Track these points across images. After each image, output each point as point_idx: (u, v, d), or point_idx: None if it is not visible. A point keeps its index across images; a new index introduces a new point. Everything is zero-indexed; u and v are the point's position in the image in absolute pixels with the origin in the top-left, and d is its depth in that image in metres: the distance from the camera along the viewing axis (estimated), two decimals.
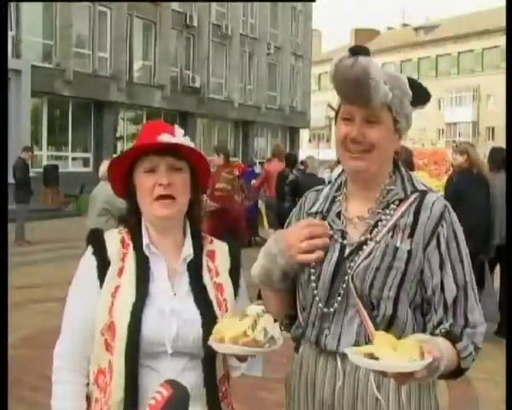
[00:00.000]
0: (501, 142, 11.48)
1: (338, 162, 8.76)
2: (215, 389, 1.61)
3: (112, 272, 1.60)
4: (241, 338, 1.40)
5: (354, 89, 1.48)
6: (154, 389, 1.47)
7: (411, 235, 1.54)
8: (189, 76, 27.26)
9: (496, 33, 41.98)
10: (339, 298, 1.56)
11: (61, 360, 1.64)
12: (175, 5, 26.11)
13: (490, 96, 46.02)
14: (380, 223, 1.57)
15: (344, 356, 1.54)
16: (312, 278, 1.60)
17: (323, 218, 1.66)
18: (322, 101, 43.51)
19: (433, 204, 1.56)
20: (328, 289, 1.58)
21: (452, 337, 1.47)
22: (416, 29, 54.80)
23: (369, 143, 1.54)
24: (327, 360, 1.60)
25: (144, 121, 25.90)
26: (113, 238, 1.66)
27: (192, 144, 1.67)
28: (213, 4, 28.32)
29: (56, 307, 6.68)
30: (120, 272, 1.60)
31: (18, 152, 12.74)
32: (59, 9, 21.23)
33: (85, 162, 23.49)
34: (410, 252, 1.53)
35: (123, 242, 1.65)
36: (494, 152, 6.44)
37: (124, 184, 1.68)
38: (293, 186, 8.93)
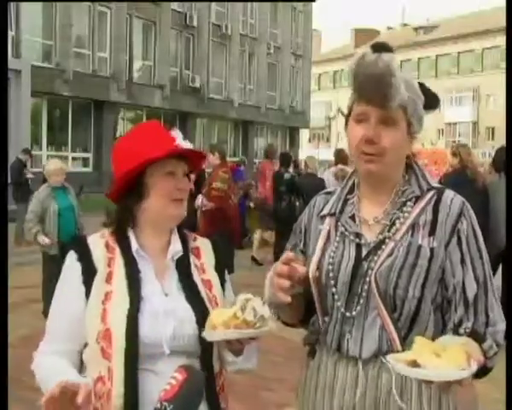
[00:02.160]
0: (501, 142, 11.48)
1: (336, 163, 8.76)
2: (213, 384, 1.61)
3: (99, 278, 1.58)
4: (232, 321, 1.41)
5: (377, 86, 1.46)
6: (153, 391, 1.46)
7: (432, 232, 1.52)
8: (189, 76, 27.26)
9: (496, 33, 41.96)
10: (361, 300, 1.53)
11: (41, 356, 1.62)
12: (175, 5, 26.12)
13: (490, 96, 46.00)
14: (397, 221, 1.55)
15: (365, 362, 1.53)
16: (332, 282, 1.56)
17: (336, 220, 1.63)
18: (322, 101, 43.61)
19: (451, 201, 1.55)
20: (348, 292, 1.55)
21: (477, 337, 1.44)
22: (416, 29, 54.78)
23: (382, 146, 1.51)
24: (347, 365, 1.57)
25: (144, 121, 25.88)
26: (98, 243, 1.65)
27: (191, 146, 1.72)
28: (213, 4, 28.32)
29: None
30: (109, 277, 1.58)
31: (18, 152, 12.76)
32: (59, 9, 21.24)
33: (85, 162, 23.50)
34: (432, 250, 1.50)
35: (107, 246, 1.64)
36: (499, 152, 6.39)
37: (128, 187, 1.65)
38: (290, 186, 8.94)
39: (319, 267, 1.60)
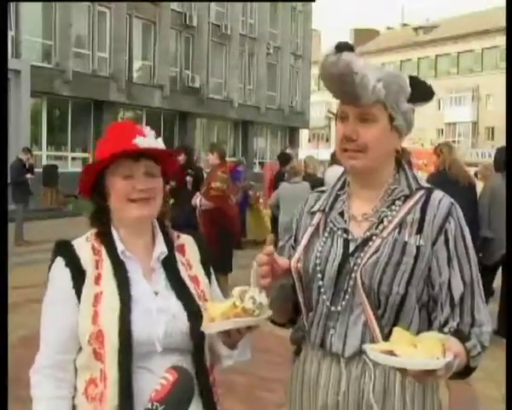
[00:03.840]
0: (501, 142, 11.47)
1: (332, 163, 8.76)
2: (206, 380, 1.62)
3: (88, 281, 1.58)
4: (232, 311, 1.41)
5: (339, 85, 1.49)
6: (147, 389, 1.47)
7: (419, 231, 1.53)
8: (189, 76, 27.25)
9: (496, 33, 41.98)
10: (346, 296, 1.54)
11: (39, 375, 1.60)
12: (174, 5, 26.11)
13: (489, 96, 46.00)
14: (385, 219, 1.56)
15: (348, 360, 1.55)
16: (319, 275, 1.58)
17: (326, 216, 1.65)
18: (322, 101, 43.51)
19: (439, 201, 1.56)
20: (333, 286, 1.57)
21: (461, 336, 1.45)
22: (416, 29, 54.77)
23: (363, 142, 1.54)
24: (331, 364, 1.58)
25: (144, 121, 25.88)
26: (83, 246, 1.64)
27: (161, 144, 1.67)
28: (213, 4, 28.30)
29: None
30: (97, 279, 1.58)
31: (18, 152, 12.76)
32: (58, 9, 21.22)
33: (85, 162, 23.45)
34: (418, 248, 1.51)
35: (93, 249, 1.63)
36: (500, 152, 6.35)
37: (93, 185, 1.66)
38: None
39: (305, 261, 1.61)
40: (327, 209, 1.66)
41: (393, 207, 1.57)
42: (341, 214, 1.63)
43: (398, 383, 1.52)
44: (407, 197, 1.58)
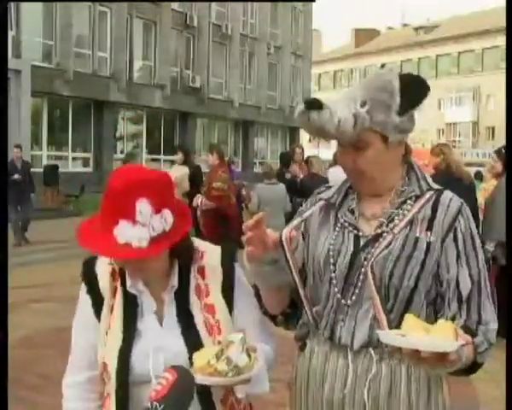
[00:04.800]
0: (501, 142, 11.47)
1: (334, 163, 8.73)
2: (212, 407, 1.59)
3: (105, 309, 1.61)
4: (206, 369, 1.38)
5: (320, 136, 1.54)
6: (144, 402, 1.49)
7: (430, 228, 1.55)
8: (189, 76, 27.27)
9: (496, 33, 41.98)
10: (356, 290, 1.56)
11: (68, 389, 1.69)
12: (175, 5, 26.13)
13: (490, 96, 46.00)
14: (396, 217, 1.57)
15: (355, 354, 1.56)
16: (331, 267, 1.59)
17: (336, 211, 1.66)
18: None
19: (450, 200, 1.58)
20: (344, 280, 1.58)
21: (469, 332, 1.45)
22: (416, 29, 54.78)
23: (359, 169, 1.57)
24: (338, 356, 1.59)
25: (144, 121, 25.93)
26: (104, 271, 1.63)
27: (165, 221, 1.48)
28: (213, 4, 28.32)
29: (56, 307, 6.71)
30: (112, 309, 1.61)
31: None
32: (59, 9, 21.25)
33: (85, 162, 23.50)
34: (429, 244, 1.53)
35: (113, 274, 1.63)
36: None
37: None
38: (292, 186, 8.90)
39: (315, 251, 1.63)
40: (337, 204, 1.67)
41: (404, 206, 1.59)
42: (351, 212, 1.64)
43: (404, 375, 1.54)
44: (417, 197, 1.59)
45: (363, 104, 1.50)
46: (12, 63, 16.55)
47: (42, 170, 18.76)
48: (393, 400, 1.54)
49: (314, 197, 1.75)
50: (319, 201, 1.71)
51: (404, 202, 1.59)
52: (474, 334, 1.47)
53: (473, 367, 1.48)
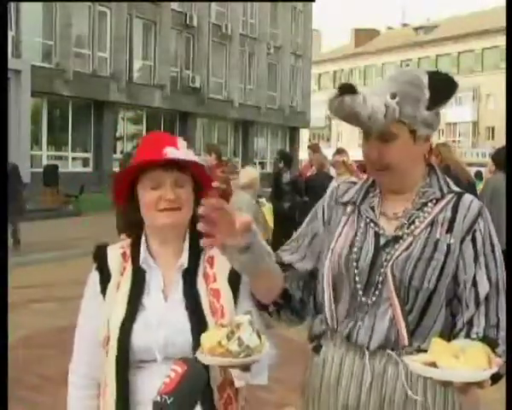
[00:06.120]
0: (501, 142, 11.45)
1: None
2: (210, 393, 1.57)
3: (111, 285, 1.65)
4: (217, 349, 1.35)
5: (351, 122, 1.51)
6: (145, 391, 1.50)
7: (450, 230, 1.55)
8: (189, 76, 27.26)
9: (496, 33, 41.94)
10: (376, 291, 1.55)
11: (72, 375, 1.72)
12: (175, 5, 26.10)
13: (490, 96, 45.99)
14: (417, 220, 1.57)
15: (372, 354, 1.56)
16: (354, 264, 1.58)
17: (358, 208, 1.65)
18: (322, 101, 43.48)
19: (470, 203, 1.58)
20: (366, 279, 1.57)
21: (490, 342, 1.43)
22: (416, 29, 54.77)
23: (385, 162, 1.55)
24: (354, 357, 1.59)
25: (144, 121, 25.91)
26: (115, 252, 1.70)
27: (195, 157, 1.67)
28: (213, 4, 28.31)
29: (56, 307, 6.71)
30: (119, 285, 1.64)
31: (18, 152, 12.72)
32: (59, 9, 21.23)
33: (85, 162, 23.49)
34: (449, 246, 1.53)
35: (124, 255, 1.69)
36: (501, 151, 6.33)
37: (126, 195, 1.69)
38: (295, 185, 8.88)
39: (339, 250, 1.61)
40: (358, 202, 1.67)
41: (425, 208, 1.58)
42: (372, 209, 1.64)
43: (420, 377, 1.51)
44: (438, 200, 1.59)
45: (393, 96, 1.51)
46: (12, 63, 16.54)
47: (42, 170, 18.75)
48: (410, 402, 1.53)
49: (331, 198, 1.72)
50: (342, 205, 1.69)
51: (426, 204, 1.59)
52: (496, 344, 1.45)
53: (495, 378, 1.41)
